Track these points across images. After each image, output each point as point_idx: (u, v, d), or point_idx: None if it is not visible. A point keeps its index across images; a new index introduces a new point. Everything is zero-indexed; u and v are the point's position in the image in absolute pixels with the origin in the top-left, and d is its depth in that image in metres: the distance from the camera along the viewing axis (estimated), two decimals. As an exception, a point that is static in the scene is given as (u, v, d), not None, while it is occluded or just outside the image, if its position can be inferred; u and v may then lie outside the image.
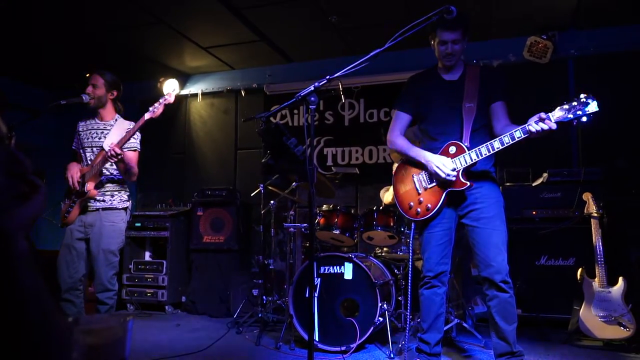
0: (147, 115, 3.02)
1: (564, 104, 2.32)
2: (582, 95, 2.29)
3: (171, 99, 3.10)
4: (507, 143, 2.41)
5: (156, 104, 3.06)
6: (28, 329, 0.62)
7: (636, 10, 4.28)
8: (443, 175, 2.50)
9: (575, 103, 2.29)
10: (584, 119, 2.28)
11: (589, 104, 2.27)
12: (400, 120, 2.79)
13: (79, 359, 0.67)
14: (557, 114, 2.31)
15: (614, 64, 4.56)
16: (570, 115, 2.29)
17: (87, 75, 3.17)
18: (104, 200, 3.09)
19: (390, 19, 4.40)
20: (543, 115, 2.32)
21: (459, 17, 2.45)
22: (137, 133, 3.17)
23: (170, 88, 3.05)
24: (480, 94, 2.62)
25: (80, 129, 3.21)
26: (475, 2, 4.24)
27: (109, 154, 2.88)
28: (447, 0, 2.45)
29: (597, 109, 2.26)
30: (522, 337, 2.61)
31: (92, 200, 3.06)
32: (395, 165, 4.37)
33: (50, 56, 5.39)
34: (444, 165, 2.51)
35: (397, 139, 2.77)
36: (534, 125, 2.33)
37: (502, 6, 4.33)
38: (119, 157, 2.90)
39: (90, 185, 3.01)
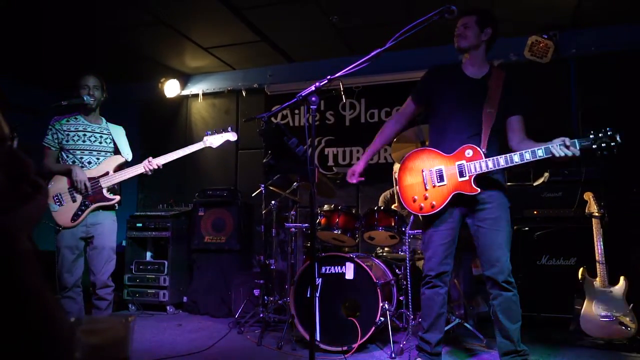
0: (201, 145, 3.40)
1: (591, 134, 2.34)
2: (608, 129, 2.32)
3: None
4: (527, 159, 2.40)
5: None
6: (30, 329, 0.62)
7: (637, 9, 4.27)
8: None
9: (601, 134, 2.32)
10: (606, 152, 2.31)
11: (615, 137, 2.31)
12: (406, 106, 2.85)
13: (81, 359, 0.67)
14: (584, 142, 2.33)
15: (615, 64, 4.55)
16: (595, 146, 2.32)
17: (84, 76, 3.18)
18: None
19: (391, 19, 4.40)
20: (567, 141, 2.32)
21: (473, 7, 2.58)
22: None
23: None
24: (502, 102, 2.60)
25: (65, 128, 3.18)
26: (476, 2, 4.23)
27: (151, 167, 3.14)
28: (448, 0, 2.45)
29: (621, 142, 2.30)
30: (523, 337, 2.60)
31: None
32: (396, 166, 4.37)
33: (51, 56, 5.39)
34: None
35: (387, 123, 2.91)
36: (557, 150, 2.33)
37: (502, 5, 4.32)
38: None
39: (107, 192, 3.16)
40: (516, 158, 2.42)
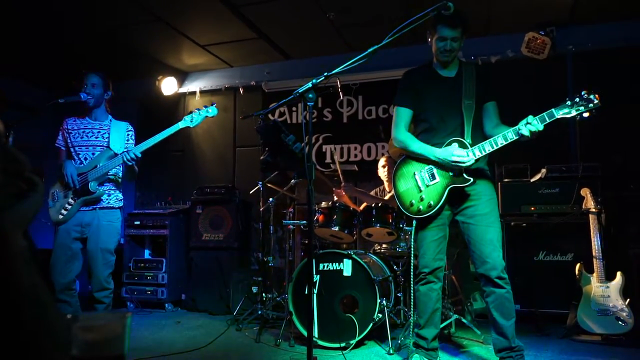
0: (181, 124, 3.20)
1: (567, 101, 2.36)
2: (583, 92, 2.34)
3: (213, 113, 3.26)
4: (510, 139, 2.44)
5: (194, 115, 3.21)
6: (25, 326, 0.62)
7: (634, 6, 4.27)
8: (466, 162, 2.49)
9: (577, 99, 2.34)
10: (586, 114, 2.33)
11: (591, 100, 2.31)
12: (403, 115, 2.77)
13: (77, 356, 0.67)
14: (562, 110, 2.35)
15: (612, 60, 4.56)
16: (574, 112, 2.33)
17: (82, 74, 3.16)
18: (101, 200, 3.09)
19: (389, 15, 4.39)
20: (530, 119, 2.37)
21: (459, 15, 2.50)
22: (133, 134, 3.32)
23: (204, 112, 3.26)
24: (477, 91, 2.65)
25: (70, 127, 3.18)
26: (474, -1, 4.23)
27: (128, 157, 2.98)
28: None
29: (600, 105, 2.31)
30: (520, 333, 2.62)
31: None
32: (383, 160, 4.38)
33: (48, 54, 5.38)
34: (459, 154, 2.51)
35: (401, 136, 2.73)
36: (524, 130, 2.37)
37: (500, 2, 4.32)
38: (139, 160, 3.03)
39: (95, 185, 3.04)
40: (500, 140, 2.46)
